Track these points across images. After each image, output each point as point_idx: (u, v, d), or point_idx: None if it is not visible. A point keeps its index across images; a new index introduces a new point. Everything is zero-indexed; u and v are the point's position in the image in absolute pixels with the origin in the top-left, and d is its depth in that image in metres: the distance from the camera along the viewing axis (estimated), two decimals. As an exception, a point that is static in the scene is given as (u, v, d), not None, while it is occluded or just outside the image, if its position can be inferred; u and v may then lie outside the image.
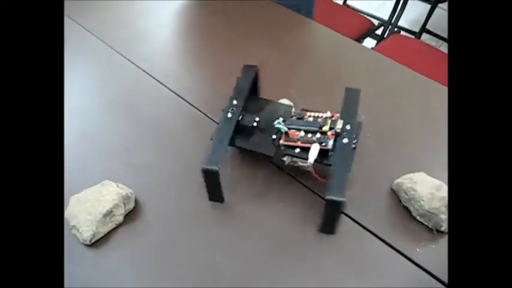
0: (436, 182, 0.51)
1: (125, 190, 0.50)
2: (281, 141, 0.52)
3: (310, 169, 0.50)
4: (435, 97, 0.73)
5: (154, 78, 0.71)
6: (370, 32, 1.56)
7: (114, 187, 0.50)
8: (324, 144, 0.50)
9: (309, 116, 0.54)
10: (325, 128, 0.51)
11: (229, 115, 0.54)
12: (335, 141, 0.50)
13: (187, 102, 0.67)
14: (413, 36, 1.87)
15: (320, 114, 0.54)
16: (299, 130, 0.52)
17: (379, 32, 1.81)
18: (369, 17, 1.64)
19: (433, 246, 0.50)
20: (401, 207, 0.53)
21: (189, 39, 0.83)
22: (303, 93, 0.66)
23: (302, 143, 0.51)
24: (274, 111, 0.56)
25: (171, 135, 0.61)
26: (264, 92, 0.61)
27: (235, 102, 0.55)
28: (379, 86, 0.72)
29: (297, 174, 0.56)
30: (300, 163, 0.53)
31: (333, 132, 0.51)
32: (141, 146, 0.60)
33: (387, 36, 1.76)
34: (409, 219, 0.52)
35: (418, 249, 0.49)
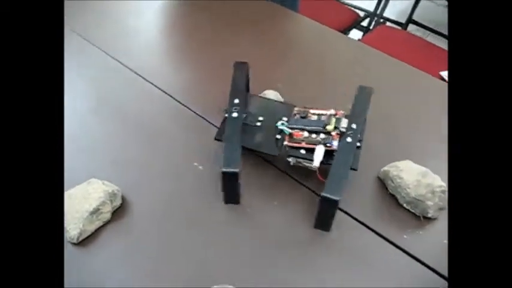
0: (422, 169, 0.52)
1: (111, 187, 0.50)
2: (285, 142, 0.52)
3: (315, 169, 0.50)
4: (422, 87, 0.73)
5: (140, 76, 0.70)
6: (356, 23, 1.56)
7: (100, 185, 0.50)
8: (328, 144, 0.50)
9: (313, 114, 0.54)
10: (330, 128, 0.51)
11: (235, 115, 0.53)
12: (340, 141, 0.50)
13: (174, 99, 0.66)
14: (399, 27, 1.88)
15: (323, 112, 0.54)
16: (303, 130, 0.52)
17: (365, 23, 1.81)
18: (354, 9, 1.65)
19: (420, 232, 0.50)
20: (388, 195, 0.53)
21: (174, 37, 0.83)
22: (290, 86, 0.66)
23: (307, 143, 0.51)
24: (277, 110, 0.56)
25: (157, 132, 0.61)
26: (251, 86, 0.61)
27: (236, 101, 0.54)
28: (365, 77, 0.72)
29: (298, 175, 0.55)
30: (305, 163, 0.52)
31: (338, 132, 0.51)
32: (127, 143, 0.60)
33: (373, 27, 1.76)
34: (396, 207, 0.52)
35: (405, 236, 0.50)
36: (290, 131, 0.52)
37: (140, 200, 0.52)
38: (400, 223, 0.51)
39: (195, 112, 0.64)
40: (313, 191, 0.53)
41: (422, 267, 0.47)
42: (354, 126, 0.51)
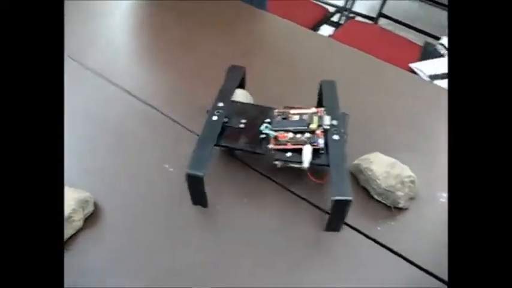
0: (391, 160, 0.53)
1: (82, 194, 0.49)
2: (270, 145, 0.51)
3: (305, 170, 0.49)
4: (393, 81, 0.75)
5: (107, 79, 0.69)
6: (326, 19, 1.58)
7: (70, 192, 0.49)
8: (315, 143, 0.50)
9: (294, 114, 0.54)
10: (313, 126, 0.51)
11: (215, 118, 0.53)
12: (325, 138, 0.50)
13: (143, 102, 0.66)
14: (370, 22, 1.90)
15: (304, 111, 0.54)
16: (287, 131, 0.52)
17: (336, 18, 1.83)
18: (324, 4, 1.66)
19: (392, 223, 0.51)
20: (360, 188, 0.54)
21: (142, 38, 0.82)
22: (260, 85, 0.66)
23: (292, 144, 0.50)
24: (259, 113, 0.55)
25: (127, 136, 0.60)
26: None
27: (220, 104, 0.54)
28: (336, 73, 0.73)
29: (282, 178, 0.55)
30: (293, 165, 0.51)
31: (322, 130, 0.51)
32: (96, 148, 0.59)
33: (344, 22, 1.78)
34: (368, 199, 0.53)
35: (378, 228, 0.50)
36: (275, 133, 0.52)
37: (113, 205, 0.52)
38: (373, 215, 0.51)
39: (165, 115, 0.64)
40: (298, 195, 0.54)
41: (396, 257, 0.48)
42: (334, 122, 0.51)
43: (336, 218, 0.48)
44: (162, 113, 0.64)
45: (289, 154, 0.50)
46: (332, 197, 0.45)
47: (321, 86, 0.58)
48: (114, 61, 0.74)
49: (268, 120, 0.54)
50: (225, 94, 0.56)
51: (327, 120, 0.51)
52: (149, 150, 0.58)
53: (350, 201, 0.45)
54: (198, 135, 0.51)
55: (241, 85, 0.61)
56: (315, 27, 1.52)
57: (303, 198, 0.53)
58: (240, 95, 0.61)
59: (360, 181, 0.54)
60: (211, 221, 0.51)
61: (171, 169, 0.56)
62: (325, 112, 0.53)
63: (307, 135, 0.51)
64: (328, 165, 0.48)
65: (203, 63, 0.73)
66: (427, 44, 1.49)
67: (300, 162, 0.49)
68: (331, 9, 1.73)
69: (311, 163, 0.49)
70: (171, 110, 0.64)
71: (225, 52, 0.76)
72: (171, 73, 0.72)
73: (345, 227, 0.51)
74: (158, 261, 0.47)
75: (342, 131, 0.51)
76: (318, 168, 0.50)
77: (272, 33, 0.88)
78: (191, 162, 0.48)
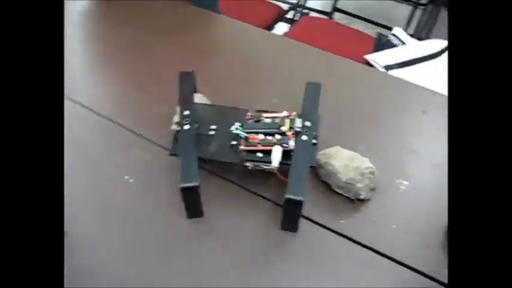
0: (350, 153, 0.53)
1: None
2: (241, 147, 0.51)
3: (275, 171, 0.50)
4: (348, 74, 0.76)
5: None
6: (280, 17, 1.58)
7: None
8: (285, 145, 0.50)
9: (266, 118, 0.54)
10: (284, 128, 0.51)
11: (187, 127, 0.52)
12: (296, 140, 0.50)
13: (96, 113, 0.64)
14: (324, 17, 1.93)
15: (276, 115, 0.54)
16: (258, 133, 0.52)
17: (290, 15, 1.84)
18: (277, 2, 1.67)
19: (356, 215, 0.52)
20: (321, 182, 0.54)
21: (93, 46, 0.80)
22: (217, 88, 0.65)
23: (263, 146, 0.50)
24: (229, 117, 0.55)
25: (83, 149, 0.59)
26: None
27: (187, 112, 0.53)
28: (291, 71, 0.73)
29: (254, 184, 0.55)
30: (264, 166, 0.51)
31: (293, 132, 0.51)
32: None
33: (299, 19, 1.80)
34: (329, 194, 0.53)
35: (341, 221, 0.51)
36: (245, 134, 0.51)
37: (75, 223, 0.50)
38: (335, 208, 0.52)
39: (119, 124, 0.62)
40: (270, 199, 0.53)
41: (361, 248, 0.49)
42: (307, 124, 0.52)
43: (288, 216, 0.48)
44: (117, 123, 0.62)
45: (259, 155, 0.50)
46: (286, 195, 0.46)
47: (306, 87, 0.58)
48: (64, 73, 0.72)
49: (239, 123, 0.54)
50: (187, 101, 0.55)
51: (298, 122, 0.52)
52: (107, 163, 0.57)
53: (302, 202, 0.46)
54: (155, 143, 0.50)
55: (194, 90, 0.60)
56: (270, 26, 1.53)
57: (260, 195, 0.53)
58: (198, 100, 0.60)
59: (320, 176, 0.54)
60: (186, 231, 0.50)
61: (132, 180, 0.54)
62: (297, 115, 0.53)
63: (278, 136, 0.51)
64: None
65: (156, 70, 0.72)
66: (380, 35, 1.52)
67: (268, 163, 0.49)
68: (285, 6, 1.74)
69: (282, 163, 0.49)
70: (126, 120, 0.62)
71: (178, 57, 0.75)
72: (124, 82, 0.71)
73: (308, 222, 0.51)
74: (127, 277, 0.46)
75: (314, 133, 0.52)
76: (288, 169, 0.50)
77: (226, 35, 0.88)
78: (182, 175, 0.47)
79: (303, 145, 0.50)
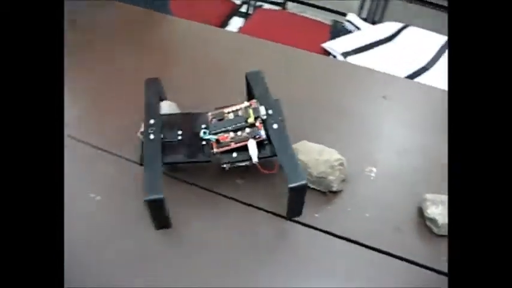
0: (318, 146, 0.54)
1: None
2: (214, 150, 0.50)
3: (257, 165, 0.49)
4: (306, 66, 0.76)
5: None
6: (234, 11, 1.57)
7: None
8: (257, 136, 0.49)
9: (228, 113, 0.53)
10: (251, 120, 0.50)
11: (152, 136, 0.50)
12: (265, 129, 0.50)
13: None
14: (278, 8, 1.93)
15: (238, 107, 0.53)
16: (227, 132, 0.51)
17: (244, 9, 1.83)
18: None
19: (329, 207, 0.52)
20: (293, 179, 0.54)
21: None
22: (181, 92, 0.64)
23: (236, 143, 0.50)
24: (192, 121, 0.54)
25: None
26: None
27: (152, 121, 0.52)
28: (249, 66, 0.72)
29: (224, 189, 0.54)
30: (242, 164, 0.50)
31: (260, 121, 0.50)
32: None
33: (253, 12, 1.79)
34: (302, 189, 0.53)
35: (316, 215, 0.51)
36: (216, 137, 0.51)
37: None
38: (309, 203, 0.52)
39: (81, 140, 0.60)
40: (242, 202, 0.53)
41: (337, 239, 0.50)
42: (270, 112, 0.51)
43: (295, 203, 0.48)
44: (79, 140, 0.60)
45: (235, 155, 0.50)
46: (289, 184, 0.45)
47: (246, 78, 0.57)
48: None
49: (204, 126, 0.53)
50: (152, 110, 0.54)
51: (262, 110, 0.51)
52: (71, 181, 0.55)
53: (305, 185, 0.45)
54: (121, 156, 0.49)
55: (162, 97, 0.59)
56: (225, 22, 1.51)
57: (232, 198, 0.53)
58: (166, 107, 0.59)
59: (291, 172, 0.54)
60: (162, 244, 0.49)
61: (98, 197, 0.53)
62: (258, 103, 0.53)
63: (248, 130, 0.50)
64: (275, 155, 0.48)
65: (114, 79, 0.70)
66: (335, 22, 1.54)
67: (247, 160, 0.49)
68: (238, 1, 1.73)
69: (258, 157, 0.49)
70: (88, 135, 0.60)
71: (136, 65, 0.73)
72: (83, 95, 0.68)
73: (283, 220, 0.51)
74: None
75: (280, 118, 0.51)
76: (266, 159, 0.50)
77: (181, 37, 0.86)
78: (145, 187, 0.45)
79: (277, 134, 0.50)
